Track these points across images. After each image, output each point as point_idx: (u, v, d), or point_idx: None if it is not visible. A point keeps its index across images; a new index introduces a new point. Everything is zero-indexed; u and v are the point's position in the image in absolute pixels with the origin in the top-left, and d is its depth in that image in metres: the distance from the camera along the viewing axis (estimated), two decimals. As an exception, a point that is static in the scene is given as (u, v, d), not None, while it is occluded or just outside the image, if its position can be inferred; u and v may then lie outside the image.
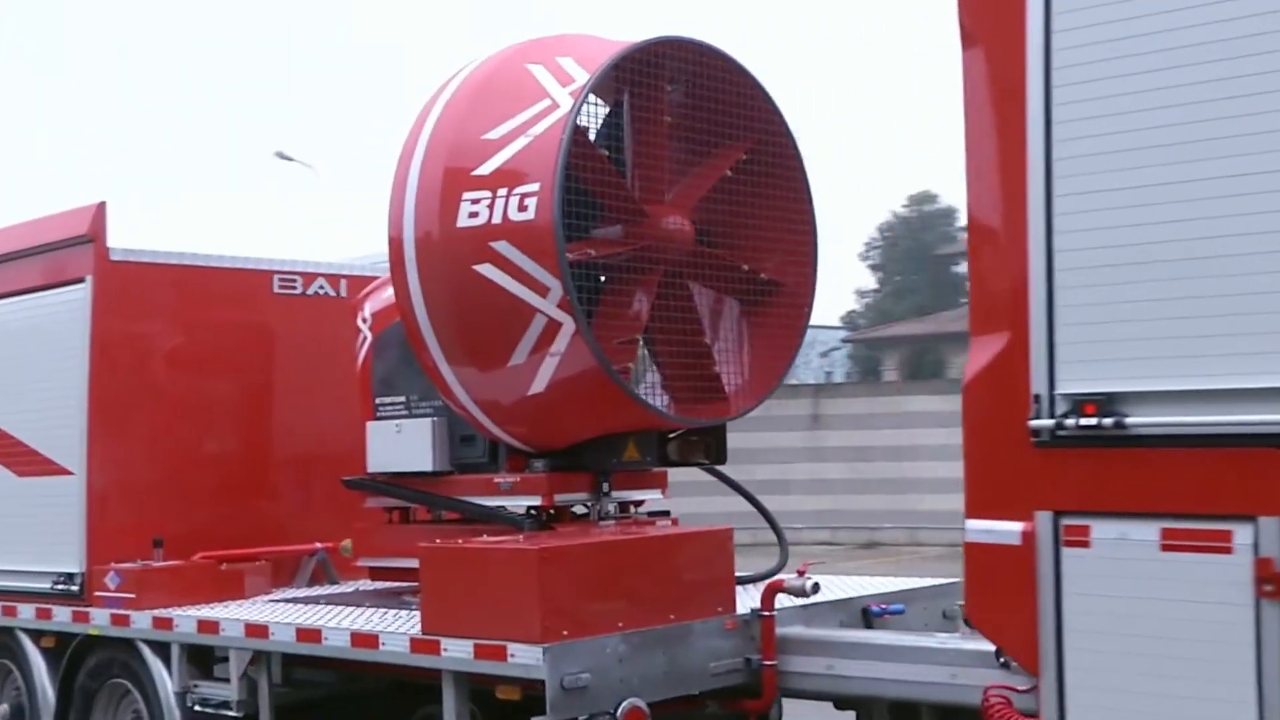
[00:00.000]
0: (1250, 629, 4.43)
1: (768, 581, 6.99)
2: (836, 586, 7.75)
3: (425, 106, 7.52)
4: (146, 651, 8.07)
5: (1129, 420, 4.63)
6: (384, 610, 7.58)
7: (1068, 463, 4.80)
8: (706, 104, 7.48)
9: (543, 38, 7.64)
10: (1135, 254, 4.66)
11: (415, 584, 8.06)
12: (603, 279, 7.32)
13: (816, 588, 6.92)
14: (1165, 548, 4.61)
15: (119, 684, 8.38)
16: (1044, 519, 4.84)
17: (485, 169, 7.08)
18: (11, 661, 9.30)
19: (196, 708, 7.90)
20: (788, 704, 7.30)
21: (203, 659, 7.96)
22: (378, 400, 8.24)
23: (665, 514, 8.02)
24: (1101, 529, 4.74)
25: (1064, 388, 4.79)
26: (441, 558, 6.72)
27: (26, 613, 8.89)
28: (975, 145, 5.07)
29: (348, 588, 8.89)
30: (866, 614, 7.39)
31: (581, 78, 7.09)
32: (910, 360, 51.04)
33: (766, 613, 6.89)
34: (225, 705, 7.73)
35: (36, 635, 9.00)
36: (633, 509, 7.94)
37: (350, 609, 7.74)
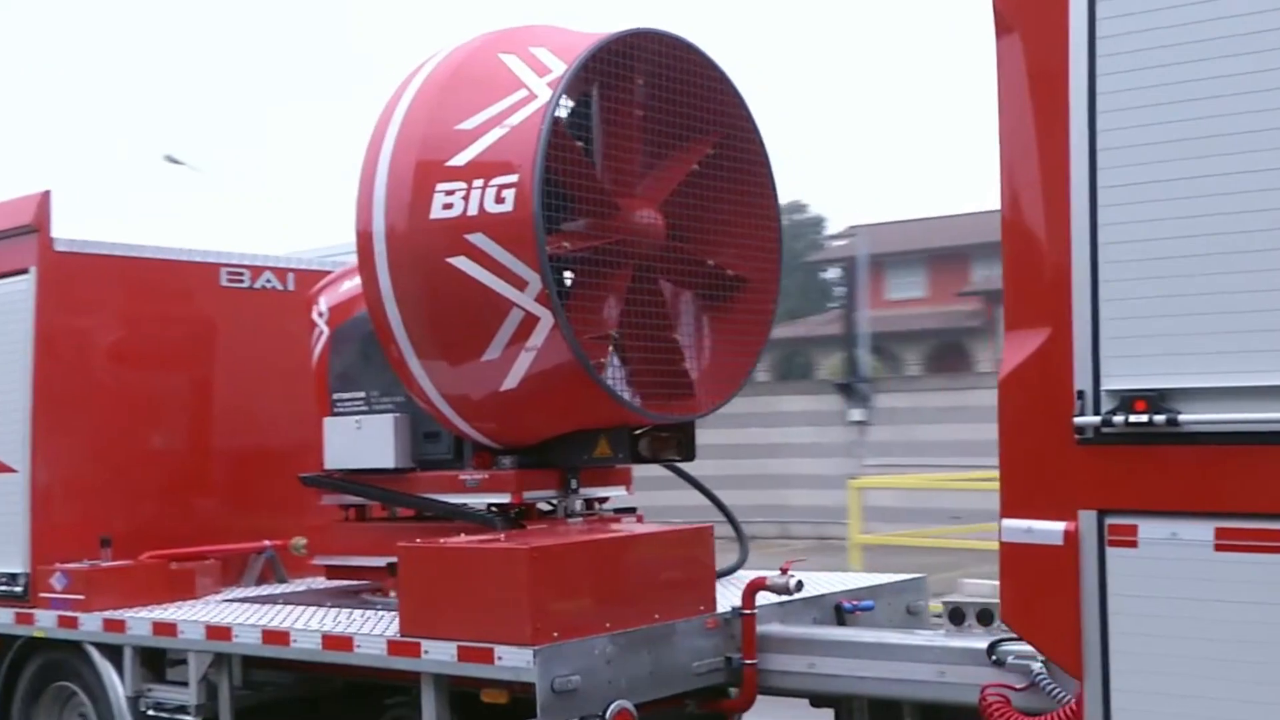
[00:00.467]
0: None
1: (749, 579, 6.58)
2: (807, 583, 7.35)
3: (392, 98, 7.02)
4: (95, 654, 7.47)
5: (1182, 417, 4.27)
6: (348, 610, 7.07)
7: (1114, 460, 4.43)
8: (675, 97, 7.07)
9: (512, 28, 7.18)
10: (1185, 246, 4.31)
11: (374, 583, 7.59)
12: (569, 274, 6.86)
13: (800, 585, 6.53)
14: (1220, 548, 4.26)
15: (65, 687, 7.79)
16: (1087, 518, 4.48)
17: (459, 160, 6.61)
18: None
19: (150, 712, 7.31)
20: (762, 701, 6.88)
21: (155, 662, 7.39)
22: (335, 396, 7.71)
23: (632, 510, 7.59)
24: (1150, 529, 4.38)
25: (1109, 384, 4.43)
26: (422, 557, 6.22)
27: (-32, 614, 8.22)
28: (1010, 135, 4.69)
29: (299, 586, 8.34)
30: (839, 610, 7.01)
31: (558, 68, 6.64)
32: (781, 363, 51.24)
33: (747, 611, 6.48)
34: (182, 709, 7.17)
35: (-24, 637, 8.32)
36: (597, 506, 7.51)
37: (310, 609, 7.22)
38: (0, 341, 8.13)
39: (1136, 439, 4.37)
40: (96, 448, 8.10)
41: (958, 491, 24.75)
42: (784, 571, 6.55)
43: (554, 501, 7.28)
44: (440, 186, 6.62)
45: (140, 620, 7.24)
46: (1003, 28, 4.70)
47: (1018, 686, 5.78)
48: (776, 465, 28.74)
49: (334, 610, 7.10)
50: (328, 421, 7.64)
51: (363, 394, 7.59)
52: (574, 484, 7.27)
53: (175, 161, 41.91)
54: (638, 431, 7.15)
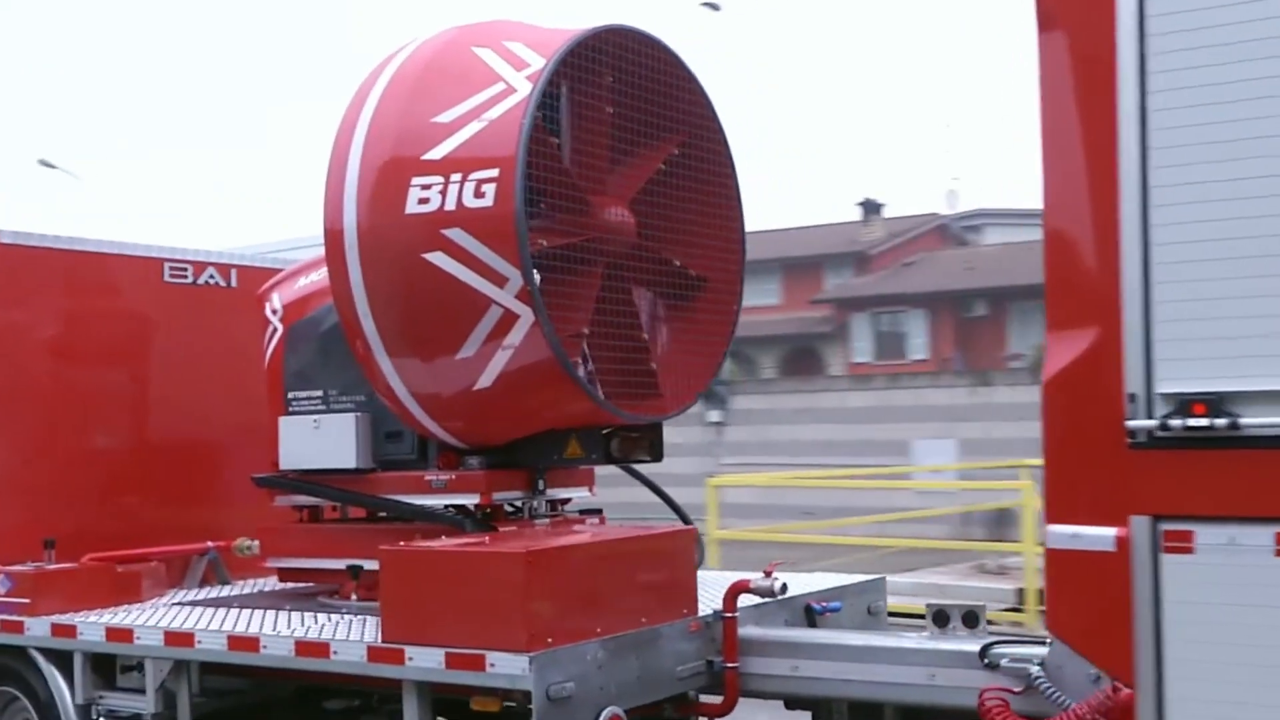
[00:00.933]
0: None
1: (731, 582, 6.20)
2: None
3: (359, 92, 6.53)
4: (40, 660, 6.83)
5: (1243, 420, 3.97)
6: (311, 614, 6.54)
7: (1168, 465, 4.13)
8: (643, 95, 6.67)
9: (481, 23, 6.73)
10: (1243, 245, 4.05)
11: (330, 586, 7.08)
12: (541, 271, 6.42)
13: (785, 588, 6.18)
14: None
15: (6, 692, 7.11)
16: (1140, 524, 4.17)
17: (436, 153, 6.15)
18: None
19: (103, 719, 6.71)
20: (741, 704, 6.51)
21: (106, 668, 6.78)
22: (291, 394, 7.18)
23: (598, 511, 7.17)
24: (1207, 534, 4.09)
25: (1163, 386, 4.13)
26: (407, 560, 5.74)
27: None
28: (1055, 134, 4.38)
29: (245, 588, 7.76)
30: (809, 612, 6.66)
31: (535, 62, 6.21)
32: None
33: (729, 614, 6.11)
34: (138, 718, 6.57)
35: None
36: (560, 507, 7.07)
37: (268, 613, 6.68)
38: (-64, 337, 7.46)
39: (1195, 443, 4.07)
40: (36, 446, 7.47)
41: (810, 489, 24.78)
42: (768, 574, 6.20)
43: (518, 503, 6.84)
44: (416, 180, 6.15)
45: (93, 625, 6.64)
46: (1046, 23, 4.39)
47: (1016, 690, 5.49)
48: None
49: (295, 614, 6.57)
50: (284, 421, 7.10)
51: (320, 392, 7.07)
52: (541, 485, 6.83)
53: (49, 166, 40.48)
54: (606, 432, 6.72)
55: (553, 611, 5.43)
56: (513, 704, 5.55)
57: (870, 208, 54.03)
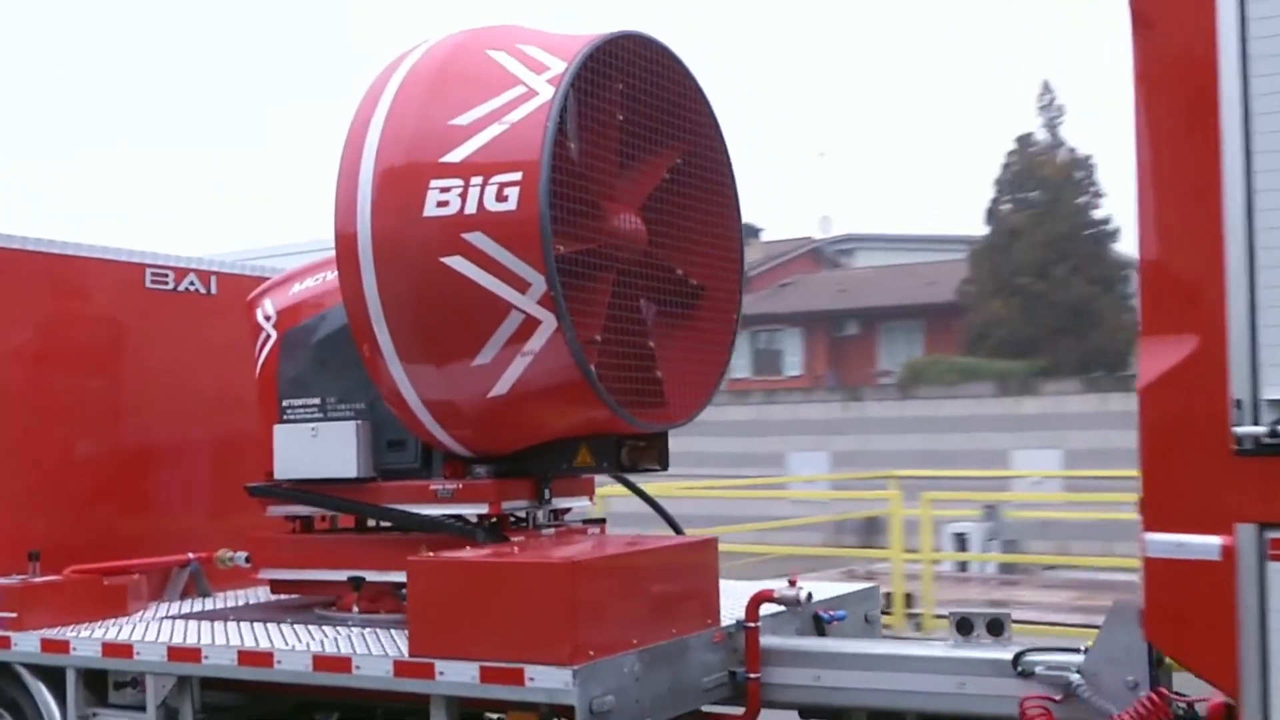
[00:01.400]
0: None
1: (753, 592, 5.85)
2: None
3: (368, 96, 6.10)
4: (27, 675, 6.26)
5: (1353, 426, 3.73)
6: (316, 628, 6.07)
7: (1275, 472, 3.84)
8: (652, 102, 6.31)
9: (490, 27, 6.34)
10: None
11: (326, 597, 6.61)
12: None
13: (810, 597, 5.84)
14: None
15: (-12, 710, 6.52)
16: (1246, 532, 3.89)
17: (455, 156, 5.75)
18: None
19: (96, 738, 6.18)
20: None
21: (98, 684, 6.23)
22: (286, 402, 6.69)
23: (602, 521, 6.79)
24: (1315, 542, 3.82)
25: (1270, 393, 3.86)
26: (437, 571, 5.34)
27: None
28: (1150, 136, 4.10)
29: (230, 601, 7.23)
30: (818, 621, 6.33)
31: (555, 65, 5.83)
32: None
33: (751, 624, 5.77)
34: (135, 735, 6.05)
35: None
36: (561, 517, 6.68)
37: (268, 625, 6.19)
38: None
39: (1306, 449, 3.81)
40: (18, 455, 6.88)
41: (691, 499, 24.60)
42: (792, 584, 5.87)
43: (522, 513, 6.43)
44: (434, 183, 5.74)
45: (86, 640, 6.09)
46: (1142, 24, 4.11)
47: (1056, 698, 5.22)
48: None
49: (299, 628, 6.09)
50: (279, 429, 6.61)
51: (318, 400, 6.60)
52: (547, 494, 6.43)
53: None
54: (622, 441, 6.34)
55: (594, 623, 5.05)
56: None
57: (749, 231, 54.03)
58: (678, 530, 7.34)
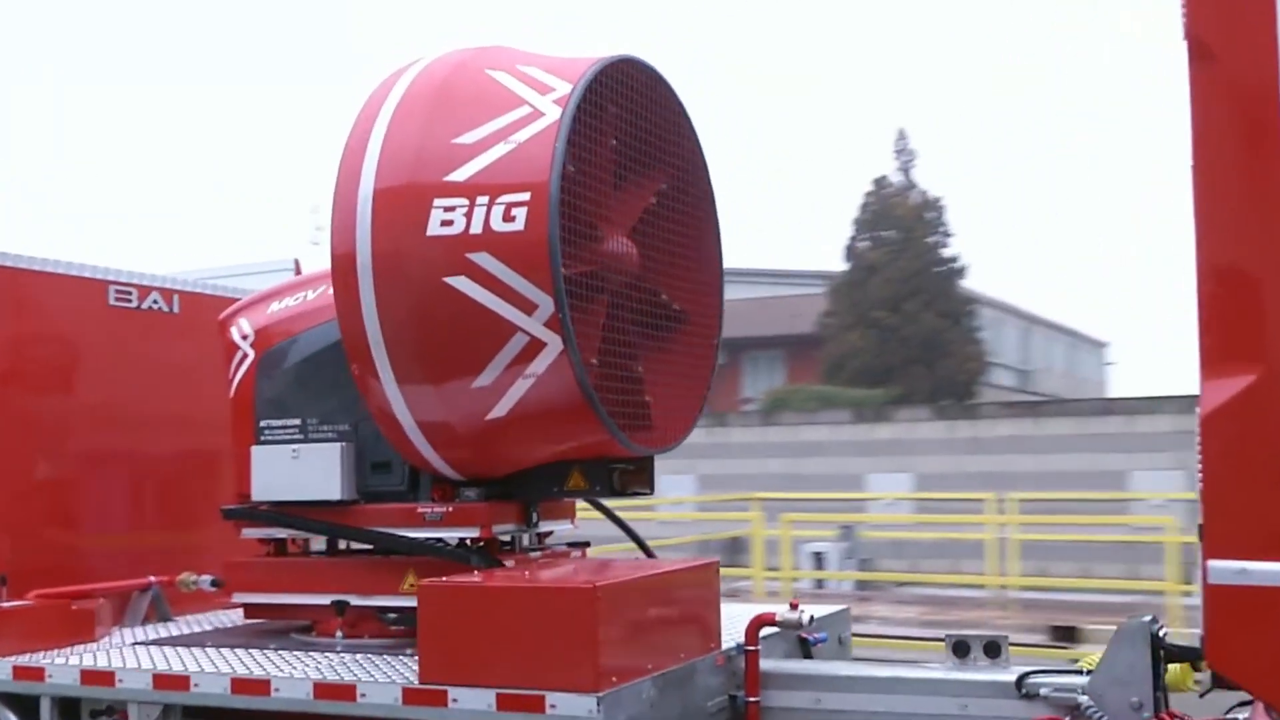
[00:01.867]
0: None
1: (750, 614, 5.61)
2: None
3: (365, 114, 5.75)
4: None
5: None
6: (304, 654, 5.68)
7: None
8: (641, 126, 6.06)
9: (485, 47, 6.02)
10: None
11: (300, 622, 6.22)
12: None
13: (813, 620, 5.61)
14: None
15: (-51, 742, 5.97)
16: None
17: (459, 175, 5.43)
18: None
19: (70, 768, 5.69)
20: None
21: (70, 713, 5.74)
22: (264, 423, 6.28)
23: (586, 544, 6.48)
24: (1378, 568, 3.71)
25: None
26: (451, 596, 4.99)
27: None
28: (1211, 168, 3.95)
29: (196, 625, 6.76)
30: (804, 643, 6.10)
31: (560, 87, 5.56)
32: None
33: (752, 647, 5.52)
34: (113, 765, 5.58)
35: None
36: (543, 540, 6.37)
37: (251, 651, 5.77)
38: None
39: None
40: (-21, 476, 6.34)
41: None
42: (794, 607, 5.65)
43: (508, 537, 6.11)
44: (438, 202, 5.42)
45: (63, 668, 5.61)
46: (1202, 55, 3.97)
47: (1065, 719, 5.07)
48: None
49: (285, 654, 5.68)
50: (257, 450, 6.20)
51: (299, 421, 6.20)
52: (534, 517, 6.12)
53: None
54: (614, 465, 6.05)
55: (616, 649, 4.76)
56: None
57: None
58: (649, 553, 7.08)
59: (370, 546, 6.12)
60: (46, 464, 6.62)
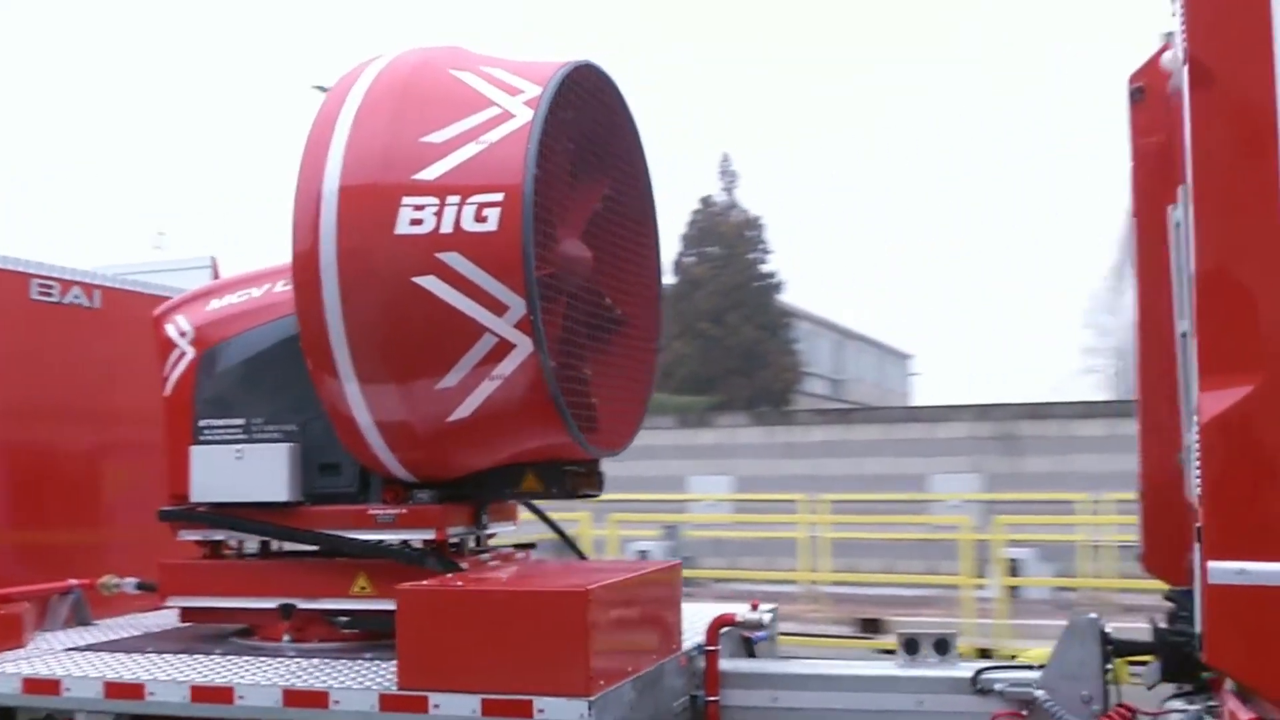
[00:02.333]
0: None
1: (715, 615, 5.46)
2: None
3: (324, 114, 5.42)
4: None
5: None
6: (252, 658, 5.33)
7: None
8: (593, 131, 5.88)
9: (442, 47, 5.75)
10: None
11: (237, 625, 5.86)
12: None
13: (773, 620, 5.48)
14: None
15: None
16: None
17: (429, 174, 5.17)
18: None
19: (7, 781, 5.23)
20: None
21: (4, 721, 5.29)
22: (204, 422, 5.88)
23: (531, 546, 6.24)
24: (1368, 566, 3.75)
25: None
26: (431, 601, 4.71)
27: None
28: (1210, 187, 3.95)
29: (122, 630, 6.30)
30: (748, 643, 5.98)
31: (529, 89, 5.34)
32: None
33: (712, 647, 5.37)
34: (55, 776, 5.14)
35: None
36: (486, 542, 6.12)
37: (197, 657, 5.39)
38: None
39: (1363, 480, 3.74)
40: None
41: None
42: (754, 608, 5.51)
43: (455, 539, 5.83)
44: (407, 200, 5.14)
45: (1, 676, 5.14)
46: (1202, 78, 3.97)
47: (1023, 714, 5.05)
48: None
49: (233, 659, 5.31)
50: (196, 450, 5.81)
51: (242, 421, 5.83)
52: (484, 519, 5.87)
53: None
54: (567, 467, 5.83)
55: (603, 652, 4.56)
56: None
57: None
58: (581, 555, 6.87)
59: (314, 548, 5.79)
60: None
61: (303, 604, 5.62)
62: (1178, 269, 4.40)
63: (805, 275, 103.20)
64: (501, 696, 4.48)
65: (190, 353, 5.99)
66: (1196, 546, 3.96)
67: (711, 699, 5.35)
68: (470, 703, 4.51)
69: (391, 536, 5.56)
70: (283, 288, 5.93)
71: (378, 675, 4.86)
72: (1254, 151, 3.91)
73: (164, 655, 5.42)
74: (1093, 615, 5.18)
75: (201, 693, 4.87)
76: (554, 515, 6.77)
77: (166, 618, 6.35)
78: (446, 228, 5.09)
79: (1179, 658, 5.00)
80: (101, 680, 5.01)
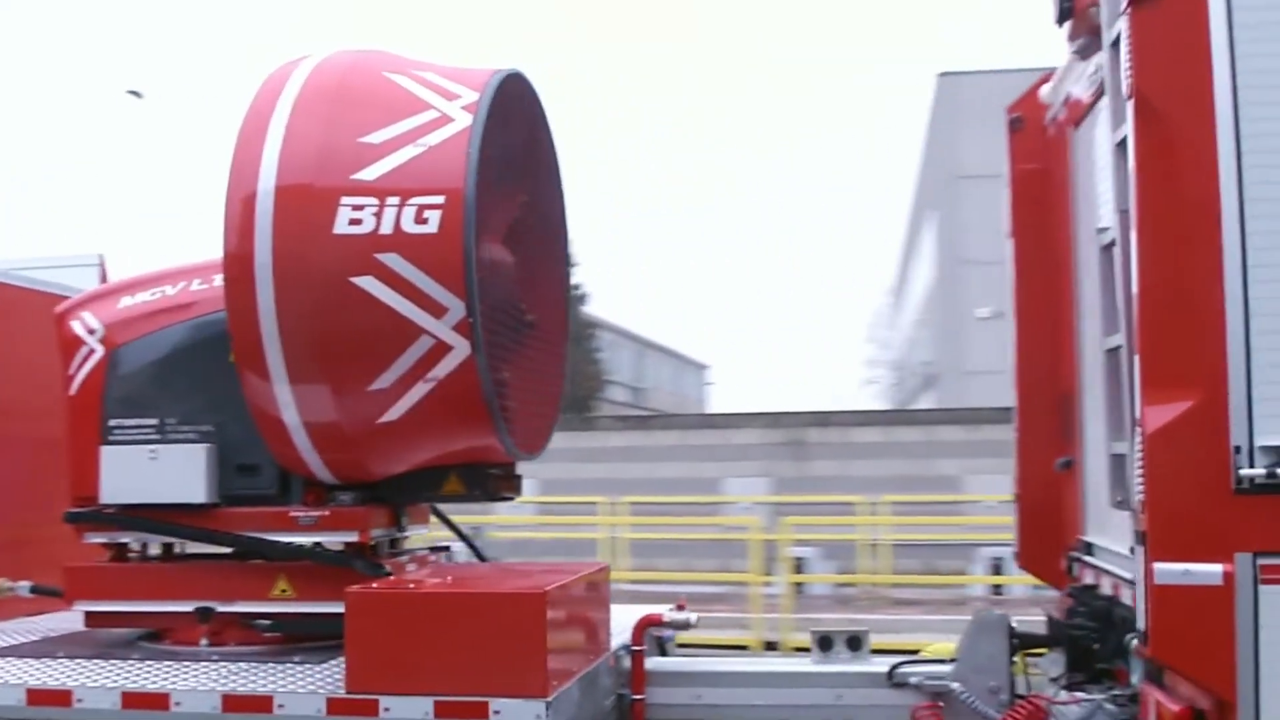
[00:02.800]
0: None
1: (640, 616, 5.38)
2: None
3: (256, 113, 5.15)
4: None
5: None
6: (173, 663, 5.00)
7: (1268, 508, 3.91)
8: (514, 139, 5.74)
9: (370, 50, 5.53)
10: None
11: (151, 629, 5.52)
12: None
13: (697, 621, 5.42)
14: None
15: None
16: (1243, 560, 3.91)
17: (368, 174, 4.97)
18: None
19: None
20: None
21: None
22: (114, 422, 5.51)
23: (446, 549, 6.04)
24: (1297, 567, 3.91)
25: (1263, 440, 3.93)
26: (382, 603, 4.51)
27: None
28: (1154, 216, 4.05)
29: (14, 635, 5.83)
30: (661, 642, 5.92)
31: (466, 94, 5.20)
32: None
33: (637, 647, 5.30)
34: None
35: None
36: (401, 544, 5.90)
37: (114, 663, 5.04)
38: None
39: (1293, 489, 3.90)
40: None
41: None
42: (680, 608, 5.45)
43: (372, 541, 5.61)
44: (346, 200, 4.93)
45: None
46: (1146, 111, 4.08)
47: (941, 706, 5.13)
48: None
49: (156, 664, 4.98)
50: (107, 451, 5.44)
51: (155, 421, 5.48)
52: (404, 521, 5.66)
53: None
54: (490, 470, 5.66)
55: (557, 653, 4.44)
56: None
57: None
58: (482, 558, 6.69)
59: (228, 550, 5.48)
60: None
61: (221, 607, 5.31)
62: (1113, 289, 4.50)
63: (609, 288, 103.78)
64: (455, 698, 4.32)
65: (100, 350, 5.61)
66: (1140, 549, 4.05)
67: (637, 698, 5.27)
68: (423, 705, 4.33)
69: (313, 539, 5.31)
70: (199, 286, 5.62)
71: (319, 678, 4.62)
72: (1195, 181, 4.03)
73: (78, 661, 5.05)
74: (1001, 611, 5.29)
75: (134, 699, 4.55)
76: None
77: (60, 621, 5.95)
78: (386, 229, 4.90)
79: (1078, 650, 5.15)
80: (24, 687, 4.64)
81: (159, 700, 4.53)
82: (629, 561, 20.16)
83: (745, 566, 17.74)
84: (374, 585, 4.65)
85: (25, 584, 5.96)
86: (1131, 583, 4.62)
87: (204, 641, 5.28)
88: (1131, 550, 4.47)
